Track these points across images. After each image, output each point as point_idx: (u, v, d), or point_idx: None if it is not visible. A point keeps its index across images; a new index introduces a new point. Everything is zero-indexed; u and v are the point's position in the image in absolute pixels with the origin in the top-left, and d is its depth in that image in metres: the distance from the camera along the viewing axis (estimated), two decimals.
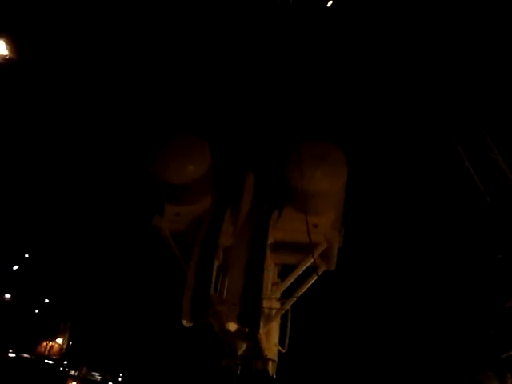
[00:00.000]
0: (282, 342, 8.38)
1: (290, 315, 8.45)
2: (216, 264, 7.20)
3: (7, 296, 72.27)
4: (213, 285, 7.01)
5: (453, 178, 18.38)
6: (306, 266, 7.81)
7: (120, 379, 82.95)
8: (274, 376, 8.07)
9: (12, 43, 23.29)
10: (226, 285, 7.05)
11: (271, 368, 8.00)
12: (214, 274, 7.11)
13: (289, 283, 7.95)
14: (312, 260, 7.69)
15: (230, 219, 7.69)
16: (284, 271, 8.19)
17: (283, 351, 8.36)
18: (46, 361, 74.86)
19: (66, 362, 77.82)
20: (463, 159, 17.46)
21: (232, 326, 6.78)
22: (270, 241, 7.48)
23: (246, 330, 6.90)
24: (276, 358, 8.13)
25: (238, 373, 7.80)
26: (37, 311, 78.96)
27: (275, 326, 8.19)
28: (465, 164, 17.49)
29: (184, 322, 6.97)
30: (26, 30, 22.12)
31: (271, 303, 7.83)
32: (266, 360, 7.91)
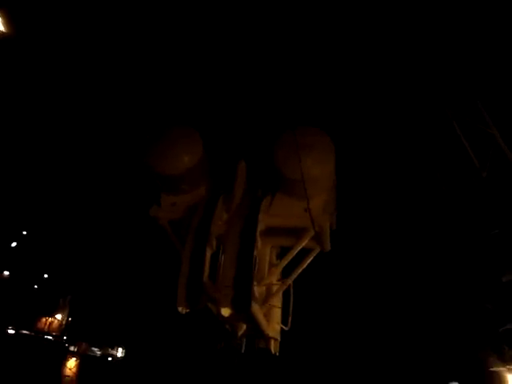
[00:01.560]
0: (285, 321, 8.61)
1: (291, 293, 8.68)
2: (209, 252, 7.40)
3: (6, 273, 72.58)
4: (206, 272, 7.22)
5: (448, 154, 18.45)
6: (299, 248, 8.05)
7: (120, 354, 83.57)
8: (277, 354, 8.30)
9: (8, 19, 23.15)
10: (220, 271, 7.23)
11: (273, 346, 8.23)
12: (208, 261, 7.32)
13: (284, 265, 8.18)
14: (305, 243, 7.96)
15: (223, 207, 7.86)
16: (284, 252, 8.39)
17: (286, 329, 8.60)
18: (45, 337, 75.37)
19: (65, 338, 78.35)
20: (459, 135, 17.51)
21: (226, 311, 6.98)
22: (262, 227, 7.67)
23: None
24: (278, 337, 8.36)
25: (242, 351, 8.02)
26: (36, 287, 79.34)
27: (276, 305, 8.41)
28: (460, 140, 17.55)
29: (180, 308, 7.20)
30: (23, 5, 22.01)
31: (270, 284, 8.06)
32: (268, 339, 8.14)
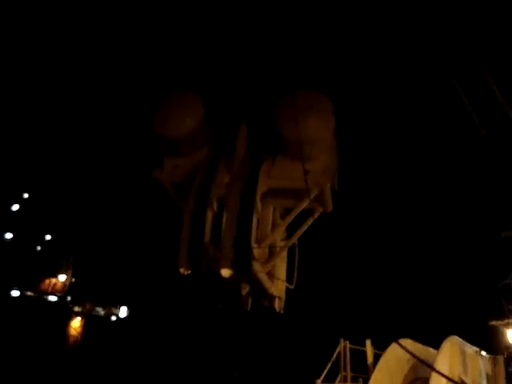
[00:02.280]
0: (289, 279, 8.80)
1: (297, 253, 8.86)
2: (210, 214, 7.57)
3: (9, 236, 73.04)
4: (207, 234, 7.43)
5: (449, 111, 18.47)
6: (300, 209, 8.15)
7: (124, 314, 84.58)
8: (282, 312, 8.50)
9: None
10: (222, 233, 7.39)
11: (278, 304, 8.41)
12: (209, 223, 7.50)
13: (285, 225, 8.31)
14: (305, 204, 8.06)
15: (224, 169, 7.98)
16: (288, 213, 8.51)
17: (291, 287, 8.79)
18: (49, 297, 76.22)
19: (69, 298, 79.22)
20: (459, 92, 17.50)
21: (226, 272, 7.16)
22: (264, 188, 7.81)
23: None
24: (283, 295, 8.55)
25: (248, 310, 8.21)
26: (39, 248, 79.89)
27: (281, 264, 8.58)
28: (460, 97, 17.55)
29: (181, 270, 7.40)
30: None
31: (272, 244, 8.20)
32: (272, 297, 8.32)
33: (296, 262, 8.88)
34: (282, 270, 8.60)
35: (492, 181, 18.54)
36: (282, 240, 8.47)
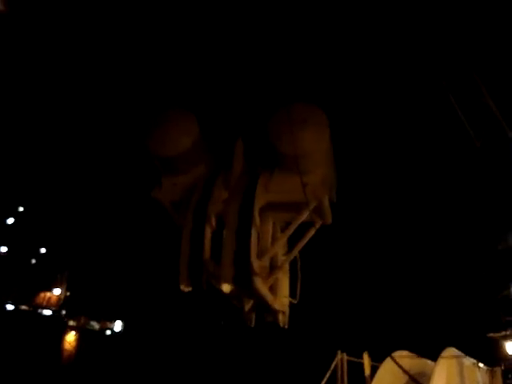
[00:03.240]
0: (293, 294, 8.84)
1: (299, 267, 8.89)
2: (209, 230, 7.62)
3: (3, 249, 72.85)
4: (207, 251, 7.47)
5: (445, 125, 18.59)
6: (299, 222, 8.19)
7: (119, 328, 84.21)
8: (286, 326, 8.53)
9: None
10: (222, 249, 7.43)
11: (281, 319, 8.44)
12: (208, 240, 7.55)
13: (285, 239, 8.35)
14: (304, 217, 8.13)
15: (222, 185, 8.04)
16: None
17: (295, 302, 8.82)
18: (44, 311, 75.95)
19: (64, 312, 78.93)
20: (454, 105, 17.62)
21: (226, 288, 7.20)
22: (262, 203, 7.86)
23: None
24: (286, 310, 8.57)
25: (252, 326, 8.25)
26: (34, 261, 79.70)
27: (283, 278, 8.61)
28: (456, 110, 17.66)
29: (182, 286, 7.45)
30: None
31: (274, 258, 8.26)
32: (275, 312, 8.36)
33: (299, 276, 8.92)
34: (284, 285, 8.62)
35: (488, 193, 18.66)
36: (284, 254, 8.53)
